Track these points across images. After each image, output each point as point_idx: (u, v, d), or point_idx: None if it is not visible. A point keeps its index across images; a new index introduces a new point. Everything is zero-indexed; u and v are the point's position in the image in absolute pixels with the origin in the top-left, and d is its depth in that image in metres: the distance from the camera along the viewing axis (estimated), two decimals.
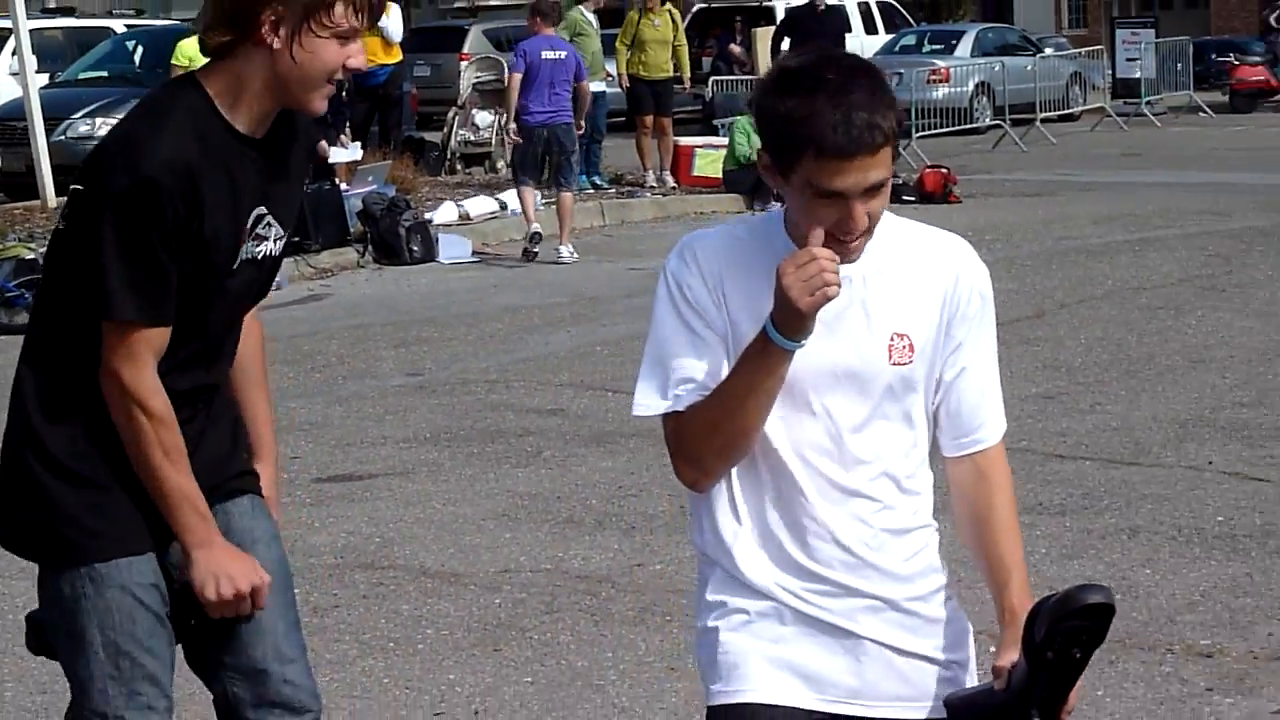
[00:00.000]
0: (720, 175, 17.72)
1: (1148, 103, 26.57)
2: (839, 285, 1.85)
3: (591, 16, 18.33)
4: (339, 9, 2.22)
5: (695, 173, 18.20)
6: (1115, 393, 8.71)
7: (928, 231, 2.12)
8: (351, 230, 13.91)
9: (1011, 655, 1.92)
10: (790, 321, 1.86)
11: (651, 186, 18.18)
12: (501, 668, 5.20)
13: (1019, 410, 7.73)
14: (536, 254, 13.53)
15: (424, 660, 5.36)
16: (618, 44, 19.06)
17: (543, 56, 13.95)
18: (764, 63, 21.46)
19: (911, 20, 33.06)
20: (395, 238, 13.65)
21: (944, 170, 18.27)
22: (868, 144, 1.87)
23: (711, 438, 1.97)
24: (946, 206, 16.94)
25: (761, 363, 1.91)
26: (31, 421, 2.36)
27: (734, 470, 2.00)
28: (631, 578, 6.33)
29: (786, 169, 1.95)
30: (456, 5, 38.78)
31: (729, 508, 2.02)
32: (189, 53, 14.07)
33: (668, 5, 19.49)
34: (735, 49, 26.56)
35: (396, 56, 17.67)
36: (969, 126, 24.88)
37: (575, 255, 13.75)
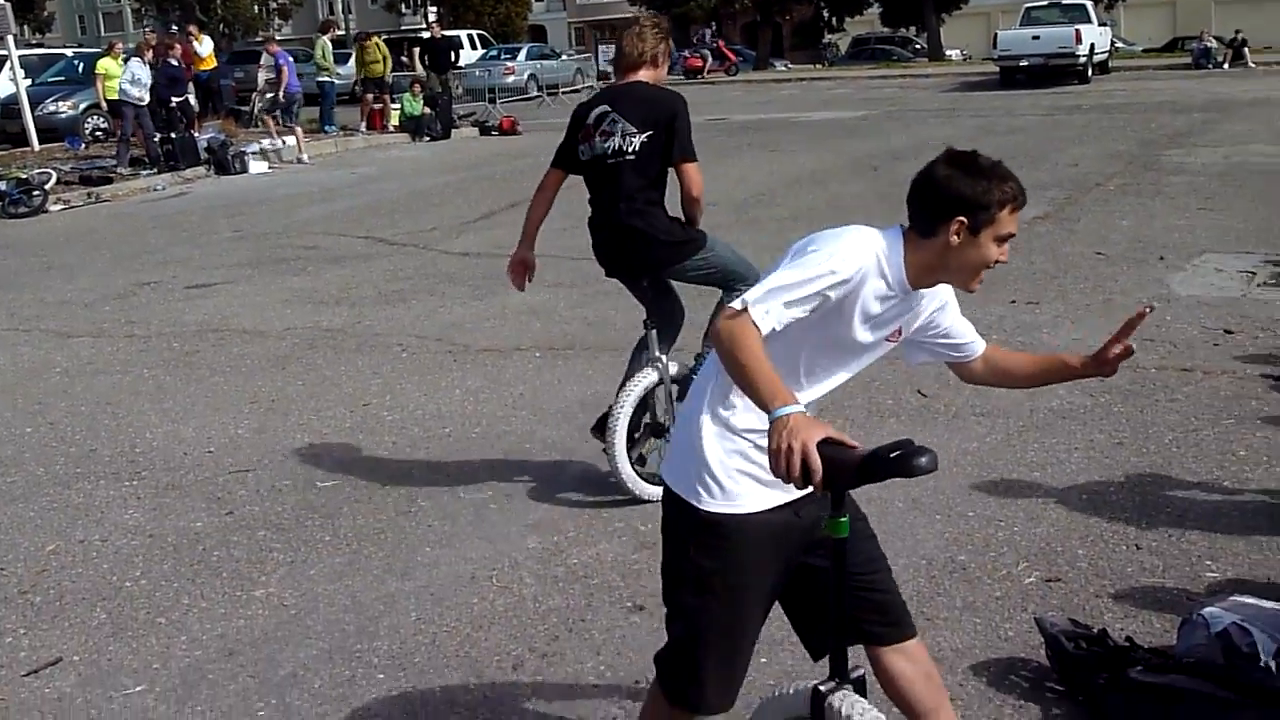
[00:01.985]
0: (398, 124, 24.90)
1: None
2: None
3: (329, 44, 25.12)
4: None
5: (386, 124, 25.06)
6: None
7: None
8: (202, 157, 20.20)
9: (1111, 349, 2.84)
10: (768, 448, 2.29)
11: (360, 131, 24.90)
12: (288, 382, 7.94)
13: None
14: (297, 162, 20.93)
15: (246, 373, 8.30)
16: (354, 61, 26.44)
17: (291, 60, 22.55)
18: (418, 67, 26.08)
19: (494, 41, 43.15)
20: (226, 161, 20.00)
21: (511, 117, 26.41)
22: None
23: (725, 360, 2.48)
24: (513, 137, 24.87)
25: (758, 397, 2.38)
26: None
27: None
28: (358, 329, 9.77)
29: (978, 224, 2.58)
30: (261, 37, 47.58)
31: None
32: (104, 68, 20.48)
33: (374, 39, 25.65)
34: (404, 59, 32.72)
35: (212, 64, 23.47)
36: (527, 96, 35.40)
37: (310, 161, 21.02)
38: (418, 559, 5.19)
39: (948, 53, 50.60)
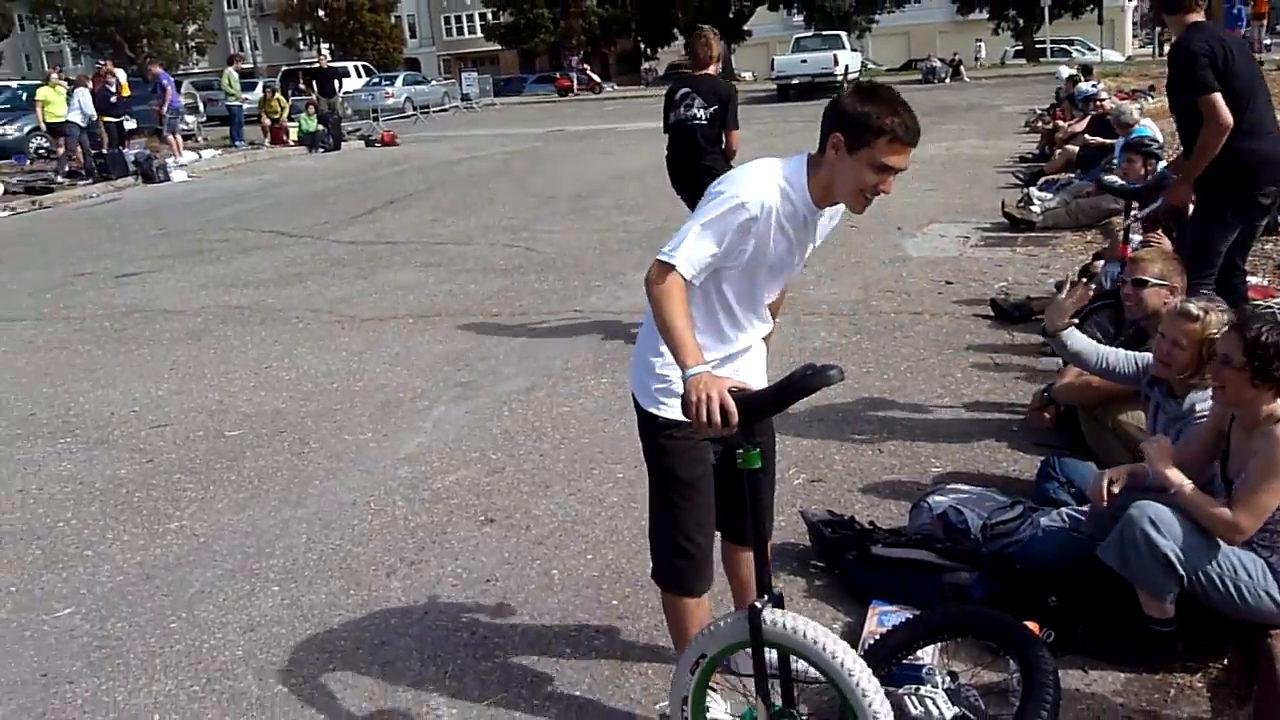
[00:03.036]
0: (296, 139, 23.77)
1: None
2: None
3: (235, 74, 24.01)
4: None
5: (287, 139, 23.84)
6: None
7: None
8: (130, 169, 19.04)
9: None
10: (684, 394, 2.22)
11: (265, 144, 23.75)
12: (202, 351, 7.54)
13: None
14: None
15: (167, 345, 7.85)
16: (268, 101, 24.87)
17: (171, 80, 20.68)
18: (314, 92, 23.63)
19: (376, 70, 41.97)
20: (151, 171, 18.93)
21: (391, 132, 24.97)
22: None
23: (655, 312, 2.37)
24: (392, 148, 23.35)
25: (677, 354, 2.30)
26: None
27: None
28: (262, 306, 10.28)
29: (855, 144, 2.33)
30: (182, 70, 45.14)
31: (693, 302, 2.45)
32: (43, 95, 19.10)
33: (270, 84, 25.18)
34: (301, 86, 28.69)
35: (127, 93, 21.21)
36: (404, 115, 34.15)
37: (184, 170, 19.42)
38: (309, 491, 4.99)
39: (740, 74, 50.85)
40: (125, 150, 19.76)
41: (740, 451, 2.30)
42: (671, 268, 2.39)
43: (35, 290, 10.45)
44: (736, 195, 2.43)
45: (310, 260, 10.94)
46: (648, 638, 3.48)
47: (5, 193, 17.36)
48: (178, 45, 61.52)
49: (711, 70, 6.86)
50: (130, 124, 21.07)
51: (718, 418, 2.18)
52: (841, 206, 2.61)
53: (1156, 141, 7.99)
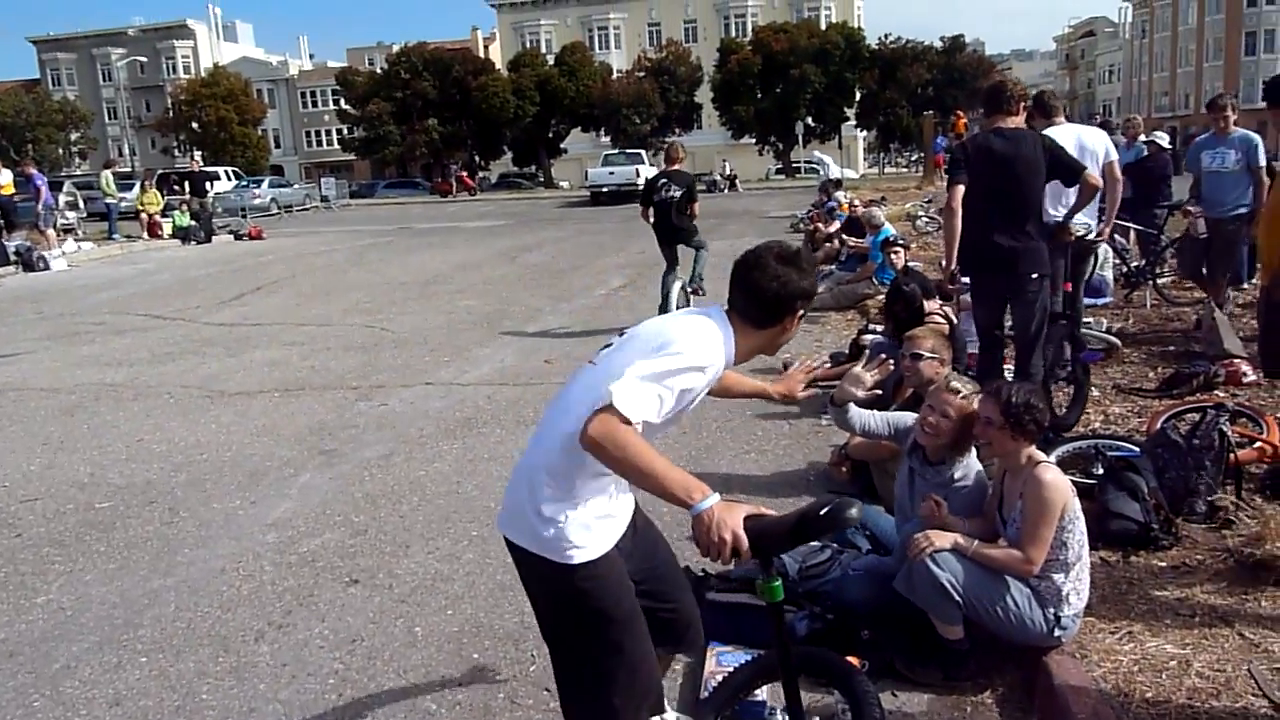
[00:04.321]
0: (171, 232, 21.95)
1: None
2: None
3: (110, 175, 22.33)
4: None
5: (162, 233, 21.94)
6: None
7: None
8: (11, 258, 17.29)
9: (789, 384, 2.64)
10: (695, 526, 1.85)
11: (143, 237, 21.72)
12: (75, 427, 6.99)
13: None
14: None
15: (40, 422, 7.67)
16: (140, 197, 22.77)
17: (44, 178, 19.26)
18: (187, 192, 22.16)
19: (245, 174, 40.55)
20: (31, 261, 17.26)
21: (258, 228, 23.28)
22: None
23: (618, 465, 1.86)
24: (259, 241, 21.61)
25: (673, 496, 1.85)
26: None
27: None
28: (136, 383, 9.74)
29: (762, 323, 2.15)
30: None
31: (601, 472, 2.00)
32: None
33: (150, 184, 22.84)
34: (176, 187, 27.23)
35: (10, 190, 19.17)
36: (269, 213, 32.63)
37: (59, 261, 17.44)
38: (178, 559, 4.39)
39: (559, 182, 51.16)
40: (6, 241, 17.91)
41: (759, 583, 2.01)
42: (626, 422, 1.91)
43: None
44: (698, 360, 2.06)
45: (182, 340, 10.06)
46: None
47: None
48: (61, 150, 57.51)
49: (678, 165, 8.93)
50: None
51: (729, 555, 1.86)
52: None
53: (902, 238, 8.24)
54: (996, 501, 3.14)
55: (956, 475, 3.31)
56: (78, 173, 52.13)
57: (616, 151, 38.31)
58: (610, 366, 2.06)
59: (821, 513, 1.92)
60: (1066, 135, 5.65)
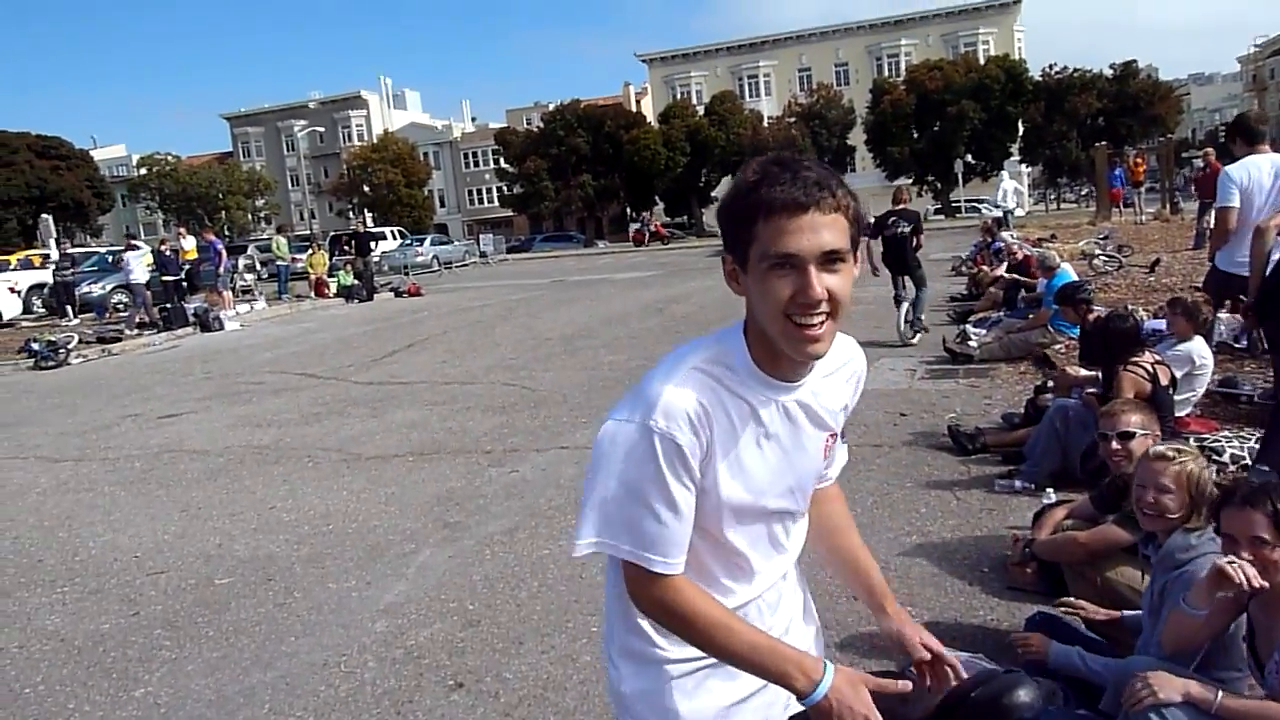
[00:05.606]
0: (335, 291, 22.93)
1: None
2: None
3: (283, 240, 23.75)
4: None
5: (328, 292, 22.95)
6: None
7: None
8: (190, 320, 18.23)
9: (922, 636, 1.48)
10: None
11: (310, 297, 22.91)
12: (214, 492, 7.94)
13: None
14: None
15: (184, 486, 8.65)
16: (309, 258, 24.19)
17: (221, 244, 21.55)
18: (352, 252, 23.06)
19: (409, 233, 41.85)
20: (208, 322, 18.17)
21: (417, 285, 23.91)
22: (816, 200, 1.15)
23: (688, 635, 1.29)
24: (418, 298, 22.18)
25: (774, 679, 1.27)
26: None
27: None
28: (280, 445, 9.74)
29: (743, 252, 1.21)
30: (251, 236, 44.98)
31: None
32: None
33: (320, 246, 24.51)
34: (345, 248, 28.45)
35: (194, 255, 21.28)
36: (431, 270, 33.45)
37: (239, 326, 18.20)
38: (282, 649, 4.08)
39: (709, 228, 51.03)
40: (186, 304, 19.08)
41: None
42: (661, 577, 1.32)
43: (84, 431, 9.57)
44: (627, 446, 1.29)
45: (330, 400, 10.13)
46: None
47: (80, 342, 16.53)
48: (249, 216, 61.96)
49: (904, 204, 10.20)
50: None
51: None
52: (847, 356, 1.49)
53: (1086, 285, 7.30)
54: (1244, 637, 2.37)
55: (1179, 555, 2.57)
56: (263, 237, 56.10)
57: None
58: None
59: (974, 695, 1.42)
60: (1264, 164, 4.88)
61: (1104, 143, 34.02)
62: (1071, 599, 2.93)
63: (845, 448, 1.56)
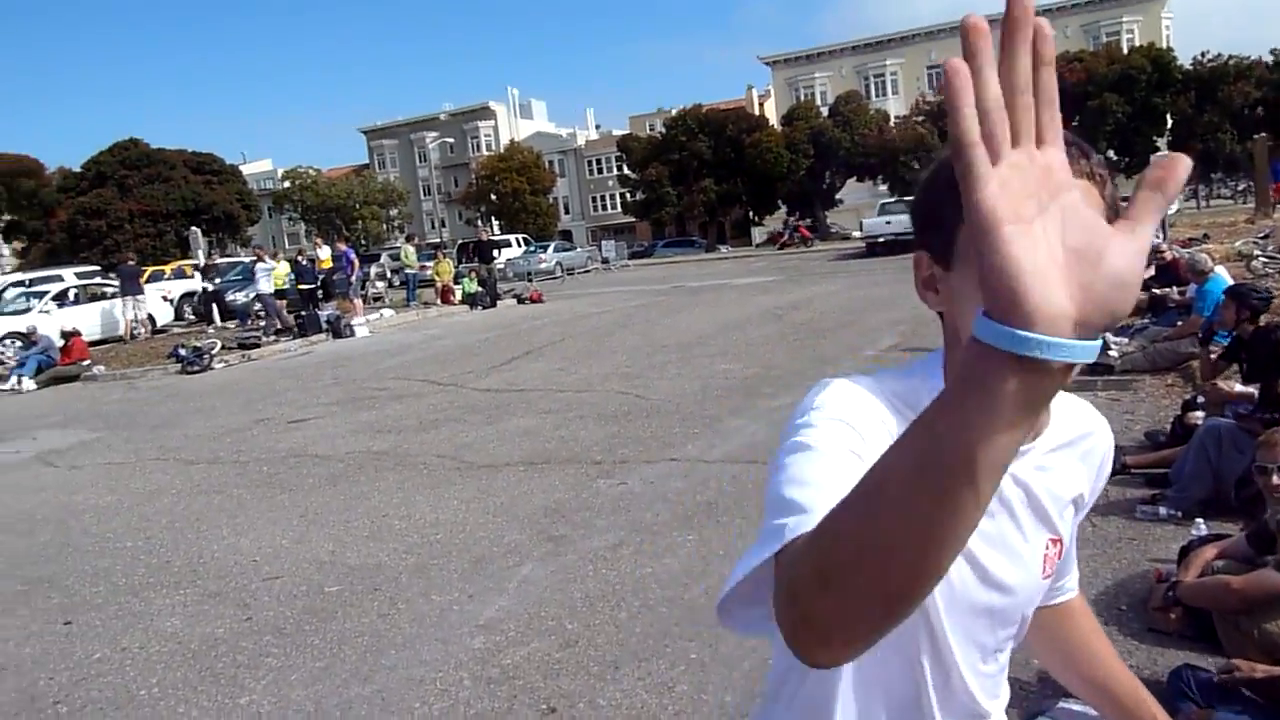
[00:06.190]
0: (460, 299, 23.54)
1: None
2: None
3: (411, 249, 24.71)
4: None
5: (453, 299, 23.58)
6: None
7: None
8: (323, 327, 18.83)
9: None
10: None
11: (436, 303, 23.40)
12: (333, 498, 9.08)
13: None
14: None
15: (306, 491, 9.21)
16: (434, 266, 24.97)
17: (353, 253, 22.34)
18: (476, 260, 23.86)
19: (533, 240, 42.14)
20: (340, 329, 18.63)
21: (538, 291, 23.83)
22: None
23: (859, 573, 0.57)
24: (539, 305, 22.22)
25: (976, 404, 0.52)
26: None
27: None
28: (398, 451, 10.25)
29: (949, 235, 0.84)
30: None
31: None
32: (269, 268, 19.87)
33: (446, 253, 25.45)
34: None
35: (329, 265, 21.97)
36: (554, 276, 33.86)
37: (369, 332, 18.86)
38: (382, 662, 4.08)
39: (851, 232, 50.02)
40: (319, 311, 19.79)
41: None
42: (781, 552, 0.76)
43: (220, 434, 10.00)
44: (815, 412, 0.94)
45: (448, 407, 10.28)
46: None
47: (222, 348, 17.38)
48: (384, 226, 64.37)
49: None
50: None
51: None
52: (1087, 428, 1.02)
53: (1257, 291, 6.67)
54: None
55: None
56: (396, 245, 58.19)
57: (893, 199, 36.74)
58: None
59: None
60: None
61: (1263, 134, 31.63)
62: (1237, 662, 2.59)
63: (1075, 562, 1.13)
